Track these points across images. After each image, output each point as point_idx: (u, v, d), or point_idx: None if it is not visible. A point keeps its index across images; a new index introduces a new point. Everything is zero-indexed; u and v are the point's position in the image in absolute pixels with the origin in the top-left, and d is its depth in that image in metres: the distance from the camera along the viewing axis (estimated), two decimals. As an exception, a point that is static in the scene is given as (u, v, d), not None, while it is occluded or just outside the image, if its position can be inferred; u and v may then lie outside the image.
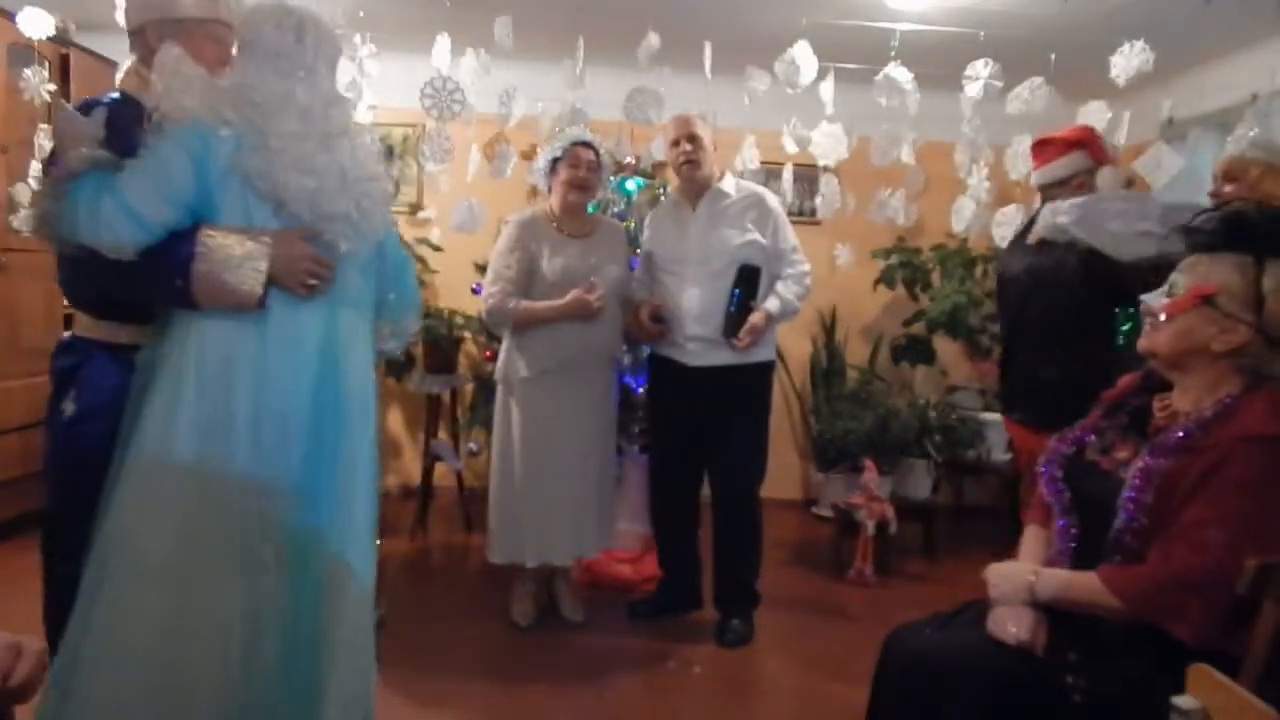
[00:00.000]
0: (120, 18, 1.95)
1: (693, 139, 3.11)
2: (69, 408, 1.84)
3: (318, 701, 1.75)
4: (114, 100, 1.86)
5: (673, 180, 4.42)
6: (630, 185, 4.05)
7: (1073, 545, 1.71)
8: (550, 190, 3.20)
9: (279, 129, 1.77)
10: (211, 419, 1.72)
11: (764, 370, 3.24)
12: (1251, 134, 2.53)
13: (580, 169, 3.10)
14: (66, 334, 1.96)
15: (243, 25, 1.85)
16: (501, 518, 3.19)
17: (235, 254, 1.74)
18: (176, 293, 1.73)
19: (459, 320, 4.50)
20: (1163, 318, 1.64)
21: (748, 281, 3.06)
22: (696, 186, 3.17)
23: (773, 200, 3.22)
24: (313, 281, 1.80)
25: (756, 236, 3.11)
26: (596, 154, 3.16)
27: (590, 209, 3.36)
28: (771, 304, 3.09)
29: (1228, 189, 2.51)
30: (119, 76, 2.06)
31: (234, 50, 1.88)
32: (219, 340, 1.75)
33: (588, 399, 3.17)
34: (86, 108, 1.81)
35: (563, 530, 3.15)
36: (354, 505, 1.87)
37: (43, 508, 1.95)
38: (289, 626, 1.75)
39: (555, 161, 3.15)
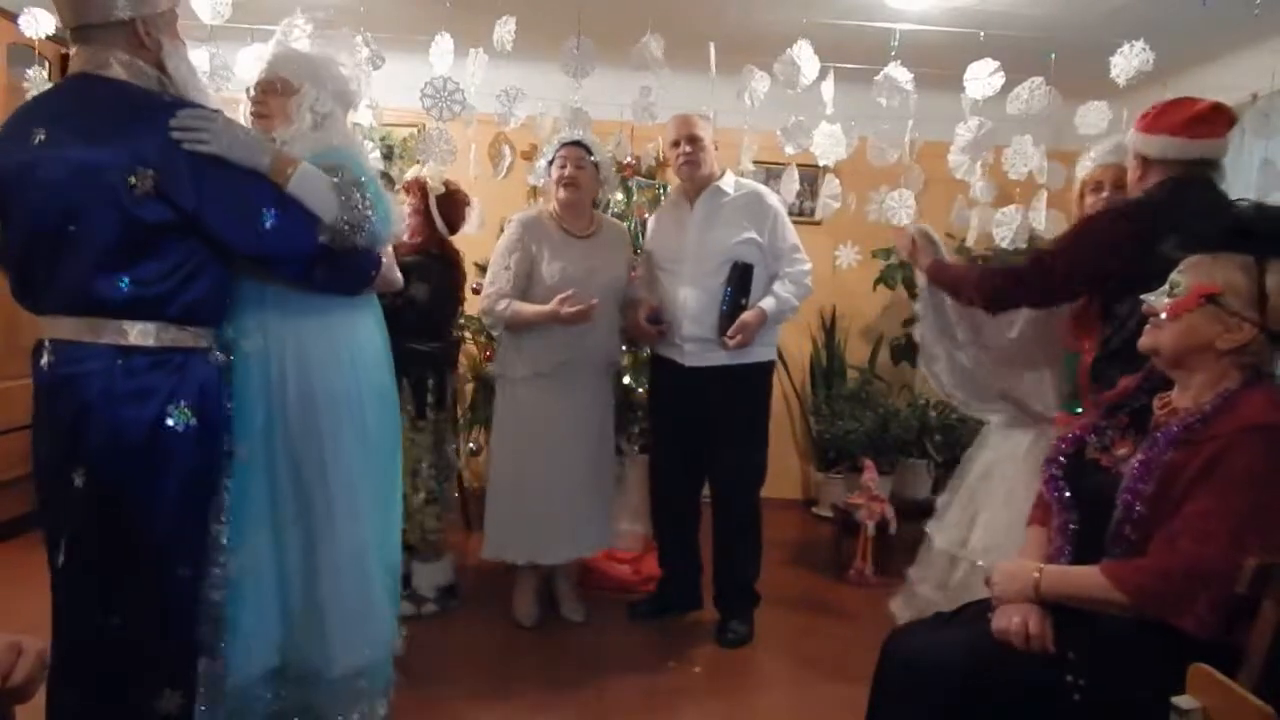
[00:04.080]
0: (90, 9, 1.79)
1: (693, 140, 3.11)
2: (185, 417, 1.81)
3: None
4: (175, 98, 1.83)
5: (673, 180, 4.45)
6: (630, 185, 4.05)
7: (1072, 541, 1.72)
8: (550, 192, 3.22)
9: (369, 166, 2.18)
10: (376, 393, 2.21)
11: (763, 370, 3.23)
12: (1121, 140, 2.53)
13: (568, 168, 3.11)
14: (124, 346, 1.78)
15: (333, 73, 2.18)
16: (494, 514, 3.20)
17: (390, 253, 2.28)
18: (367, 280, 2.16)
19: (459, 320, 4.49)
20: (1164, 316, 1.66)
21: (740, 280, 3.05)
22: (696, 186, 3.16)
23: (772, 198, 3.21)
24: None
25: (753, 235, 3.10)
26: (588, 151, 3.15)
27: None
28: (767, 303, 3.08)
29: (1091, 198, 2.54)
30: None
31: (324, 94, 2.14)
32: (369, 332, 2.22)
33: (581, 402, 3.16)
34: (170, 107, 1.78)
35: (551, 531, 3.15)
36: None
37: (159, 529, 1.82)
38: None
39: (550, 163, 3.18)
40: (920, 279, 2.72)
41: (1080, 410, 2.36)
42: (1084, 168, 2.63)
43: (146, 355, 1.79)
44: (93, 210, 1.73)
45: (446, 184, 3.29)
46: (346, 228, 1.96)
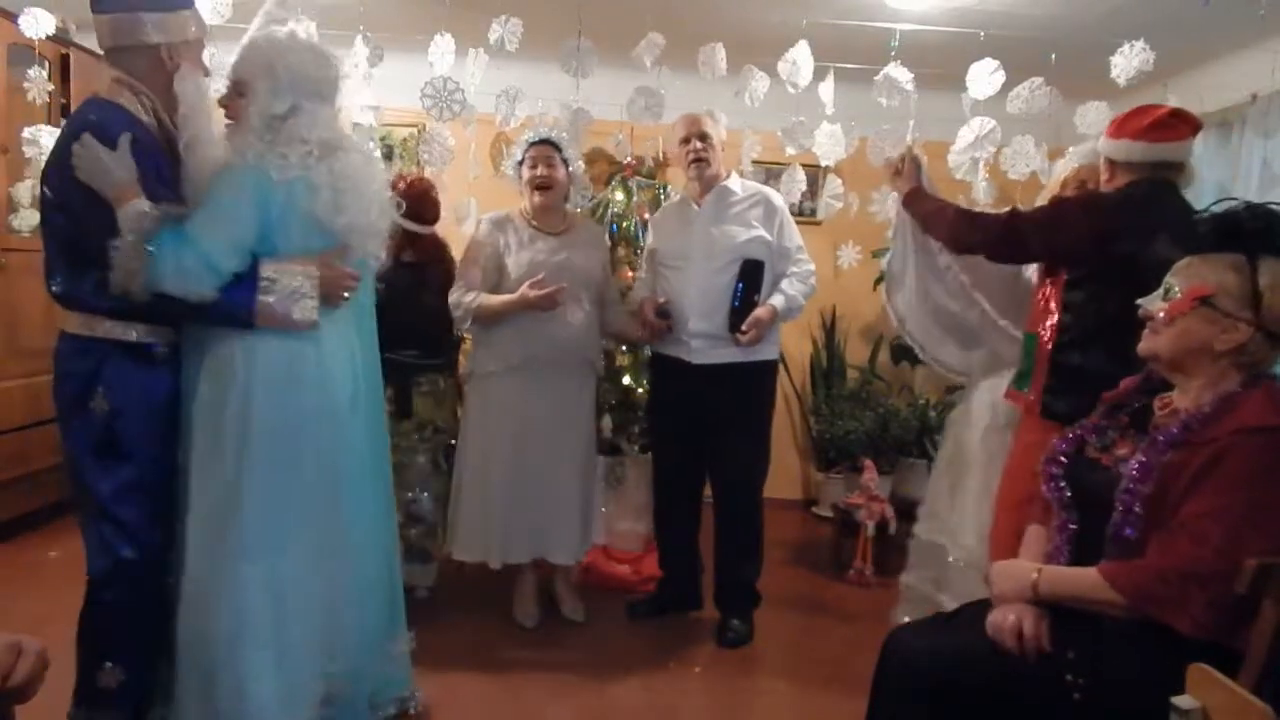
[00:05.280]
0: (121, 32, 1.98)
1: (703, 137, 3.12)
2: (102, 405, 1.95)
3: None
4: (115, 108, 1.93)
5: (673, 180, 4.45)
6: (630, 185, 4.04)
7: (1071, 541, 1.72)
8: (522, 192, 3.18)
9: (337, 168, 2.00)
10: (283, 420, 1.99)
11: (768, 369, 3.23)
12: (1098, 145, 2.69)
13: (539, 168, 3.08)
14: (70, 333, 2.00)
15: (294, 65, 2.00)
16: (461, 514, 3.16)
17: (292, 288, 1.98)
18: (239, 322, 1.97)
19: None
20: (1160, 320, 1.66)
21: (751, 276, 3.05)
22: (704, 184, 3.16)
23: (778, 199, 3.23)
24: (347, 295, 2.09)
25: (762, 233, 3.11)
26: (558, 149, 3.12)
27: (594, 208, 3.34)
28: (776, 300, 3.09)
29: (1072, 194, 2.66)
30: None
31: (280, 89, 2.00)
32: (279, 352, 2.00)
33: (556, 401, 3.13)
34: (100, 128, 1.88)
35: (520, 530, 3.12)
36: (382, 468, 2.28)
37: (81, 507, 2.03)
38: (358, 575, 2.15)
39: (520, 163, 3.15)
40: (894, 201, 2.79)
41: (1027, 390, 2.42)
42: (1067, 165, 2.78)
43: (78, 342, 1.98)
44: (43, 217, 2.04)
45: (404, 180, 3.18)
46: (125, 277, 1.88)
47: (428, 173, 3.42)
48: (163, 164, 1.99)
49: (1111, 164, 2.37)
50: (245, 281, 1.95)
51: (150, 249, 1.85)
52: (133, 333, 1.98)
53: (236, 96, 2.04)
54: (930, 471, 4.47)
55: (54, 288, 1.98)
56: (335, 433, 2.07)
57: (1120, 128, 2.34)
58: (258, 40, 2.07)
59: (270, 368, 1.99)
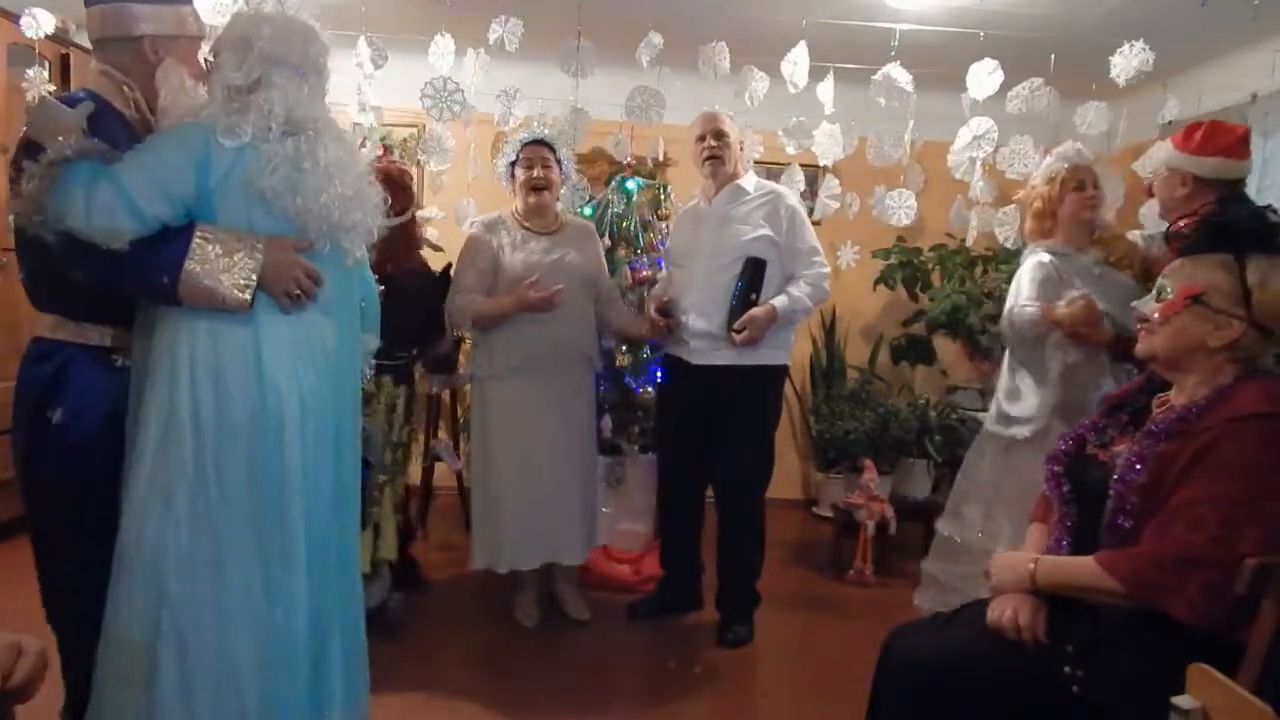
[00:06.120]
0: (109, 23, 1.92)
1: (719, 135, 3.11)
2: (56, 414, 1.82)
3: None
4: (94, 95, 1.86)
5: (673, 181, 4.45)
6: (630, 185, 4.04)
7: (1070, 534, 1.74)
8: (514, 193, 3.18)
9: (306, 149, 1.80)
10: (208, 419, 1.75)
11: (772, 374, 3.18)
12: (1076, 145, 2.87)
13: (534, 169, 3.07)
14: (36, 336, 1.90)
15: (268, 37, 1.82)
16: (478, 521, 3.17)
17: (228, 258, 1.75)
18: (160, 289, 1.74)
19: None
20: (1155, 318, 1.70)
21: (752, 274, 3.01)
22: (718, 182, 3.15)
23: (792, 199, 3.18)
24: (297, 293, 1.82)
25: (768, 232, 3.07)
26: (552, 150, 3.12)
27: (589, 211, 3.32)
28: (778, 300, 3.03)
29: (1074, 196, 2.76)
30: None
31: (248, 60, 1.82)
32: (210, 341, 1.77)
33: (558, 396, 3.13)
34: (69, 103, 1.82)
35: (533, 533, 3.11)
36: (350, 497, 1.98)
37: (33, 515, 1.92)
38: (309, 609, 1.83)
39: (513, 164, 3.14)
40: (1071, 349, 2.72)
41: None
42: (1054, 167, 2.83)
43: (44, 345, 1.88)
44: None
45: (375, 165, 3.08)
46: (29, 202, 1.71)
47: (429, 171, 3.41)
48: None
49: (1197, 180, 2.50)
50: (176, 242, 1.73)
51: (61, 172, 1.67)
52: (97, 337, 1.87)
53: (213, 71, 1.89)
54: (930, 470, 4.51)
55: (21, 275, 1.90)
56: (273, 449, 1.78)
57: (1206, 144, 2.49)
58: (239, 14, 1.95)
59: (195, 362, 1.76)
